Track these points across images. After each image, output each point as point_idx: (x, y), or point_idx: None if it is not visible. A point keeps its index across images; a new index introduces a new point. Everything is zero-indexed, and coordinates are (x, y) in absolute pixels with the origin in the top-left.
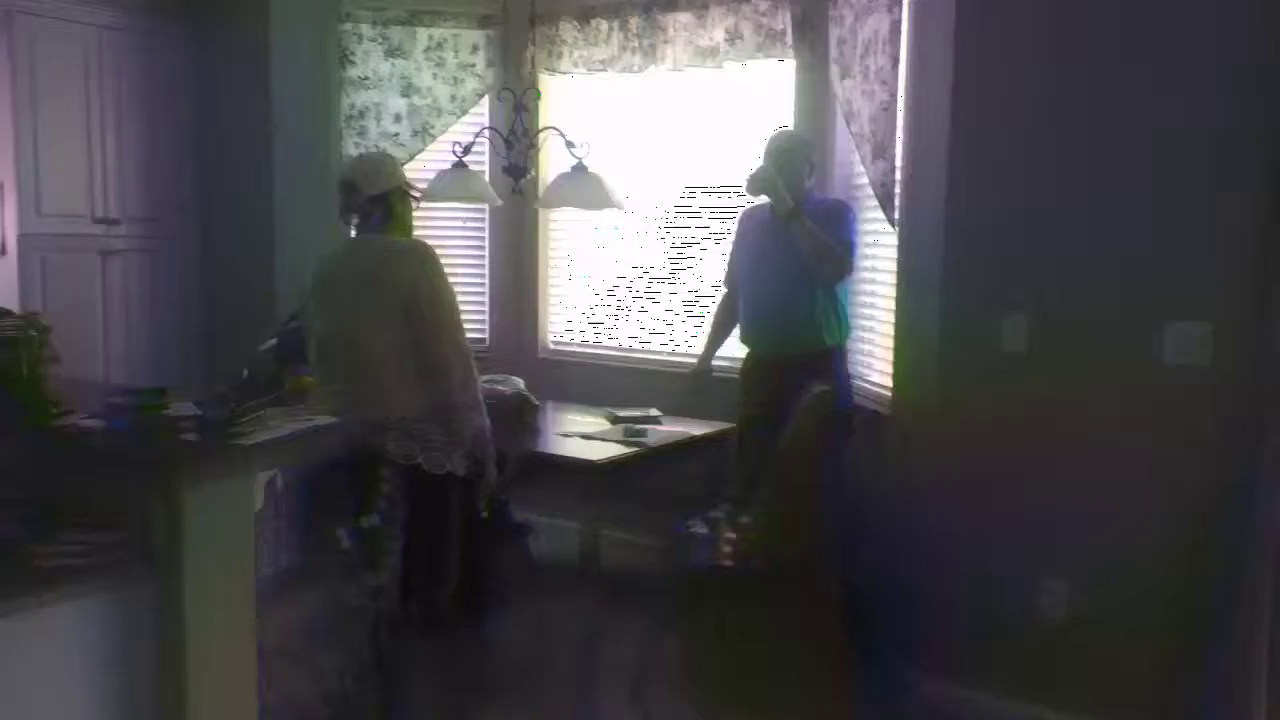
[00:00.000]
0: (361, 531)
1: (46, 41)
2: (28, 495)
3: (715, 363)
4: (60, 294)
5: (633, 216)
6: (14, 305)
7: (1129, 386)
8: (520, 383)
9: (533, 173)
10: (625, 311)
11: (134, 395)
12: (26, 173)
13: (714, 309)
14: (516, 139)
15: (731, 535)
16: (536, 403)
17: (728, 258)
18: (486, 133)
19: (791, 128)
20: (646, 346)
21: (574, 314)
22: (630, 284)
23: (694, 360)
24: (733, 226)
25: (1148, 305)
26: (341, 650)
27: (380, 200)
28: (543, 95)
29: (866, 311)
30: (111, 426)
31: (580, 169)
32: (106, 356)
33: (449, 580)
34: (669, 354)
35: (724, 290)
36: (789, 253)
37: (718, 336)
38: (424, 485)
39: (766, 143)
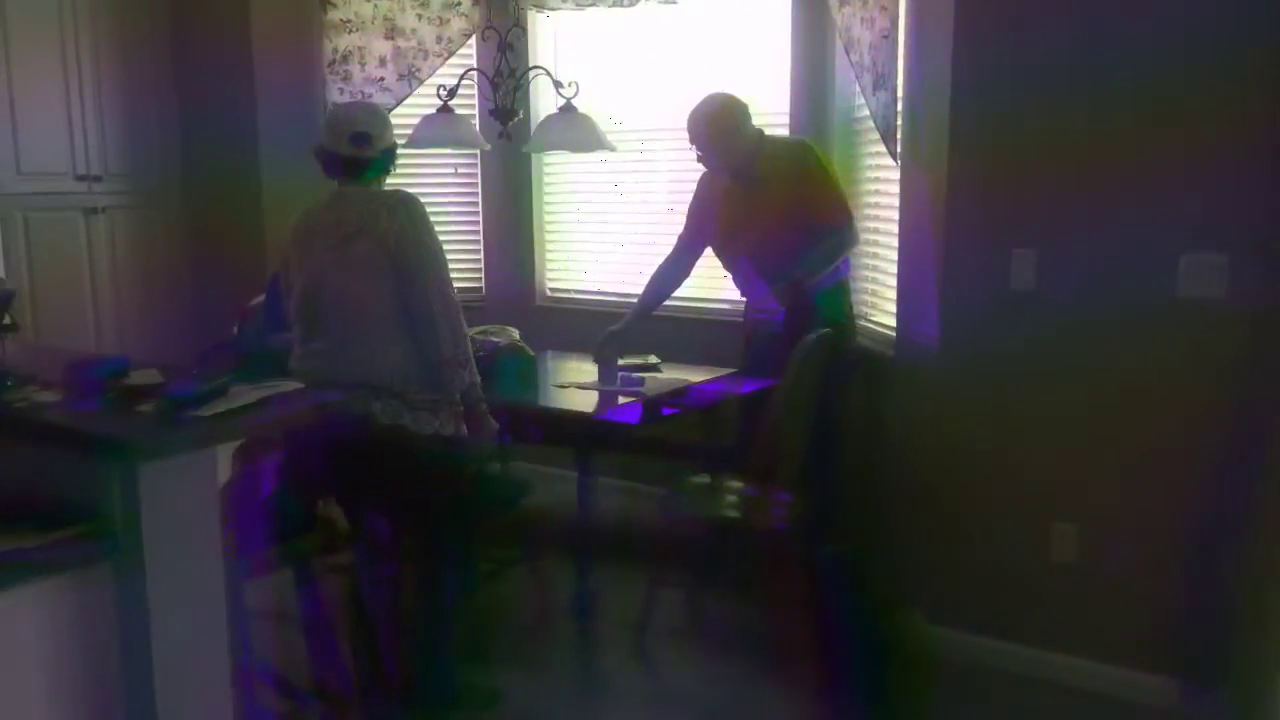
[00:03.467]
0: (350, 501)
1: None
2: None
3: (717, 307)
4: (45, 254)
5: (626, 156)
6: None
7: (1143, 321)
8: (515, 333)
9: (520, 115)
10: (622, 255)
11: (92, 365)
12: (4, 131)
13: (660, 265)
14: (502, 80)
15: (734, 486)
16: (531, 353)
17: (686, 217)
18: (473, 75)
19: (705, 98)
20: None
21: (572, 259)
22: (627, 227)
23: (693, 305)
24: None
25: (1162, 236)
26: (329, 620)
27: (390, 153)
28: (532, 34)
29: (870, 250)
30: (69, 403)
31: (569, 110)
32: (95, 316)
33: (444, 543)
34: (670, 297)
35: (675, 245)
36: (769, 209)
37: (648, 304)
38: (410, 446)
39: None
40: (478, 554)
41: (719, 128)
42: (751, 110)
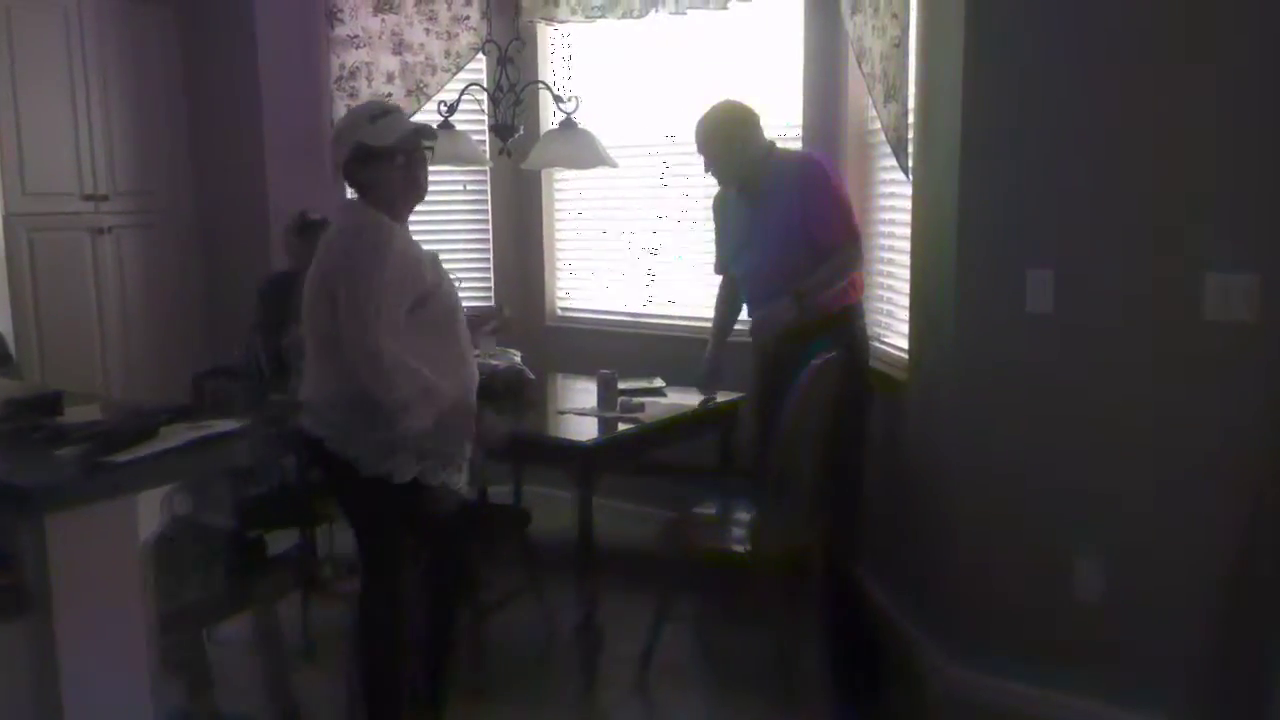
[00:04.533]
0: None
1: (23, 10)
2: None
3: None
4: (50, 275)
5: (639, 173)
6: (2, 289)
7: (1167, 346)
8: (517, 356)
9: (521, 130)
10: (634, 274)
11: (15, 405)
12: (9, 150)
13: (715, 300)
14: (502, 94)
15: (743, 517)
16: (532, 376)
17: (715, 243)
18: (473, 90)
19: (715, 106)
20: (656, 310)
21: (582, 278)
22: (638, 244)
23: (705, 325)
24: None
25: (1188, 255)
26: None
27: (352, 161)
28: (540, 47)
29: (884, 268)
30: None
31: (569, 125)
32: (102, 338)
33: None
34: (680, 318)
35: (720, 278)
36: (774, 224)
37: (722, 329)
38: (356, 485)
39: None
40: (464, 584)
41: (726, 136)
42: (764, 122)
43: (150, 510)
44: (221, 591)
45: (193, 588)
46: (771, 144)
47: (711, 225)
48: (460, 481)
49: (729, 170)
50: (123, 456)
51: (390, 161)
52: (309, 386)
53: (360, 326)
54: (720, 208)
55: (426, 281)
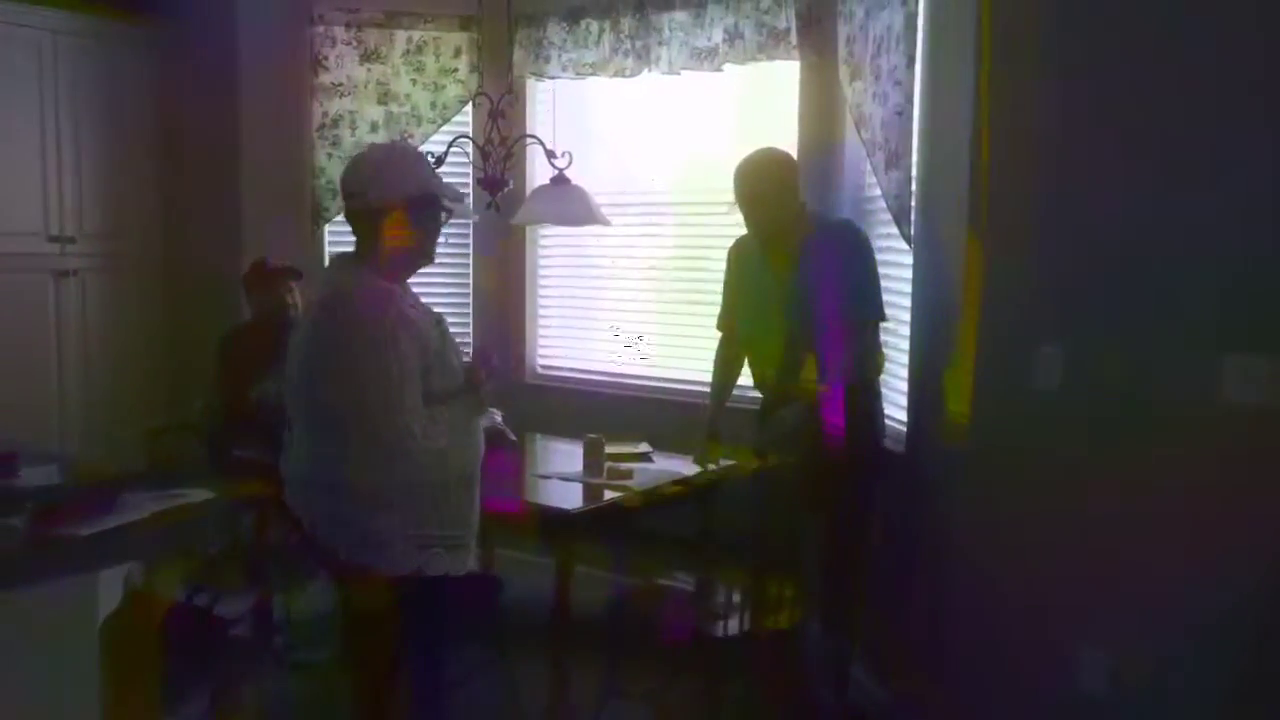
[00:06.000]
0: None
1: None
2: None
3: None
4: (8, 318)
5: (626, 231)
6: None
7: (1182, 429)
8: (498, 416)
9: (511, 185)
10: (619, 333)
11: None
12: None
13: (713, 361)
14: (493, 148)
15: (724, 591)
16: (513, 437)
17: (722, 297)
18: (461, 142)
19: (759, 150)
20: (642, 371)
21: (564, 336)
22: (624, 303)
23: (692, 388)
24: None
25: (1206, 335)
26: None
27: (352, 216)
28: (529, 102)
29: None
30: None
31: (560, 180)
32: (61, 387)
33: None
34: (667, 380)
35: (720, 336)
36: (795, 290)
37: (721, 396)
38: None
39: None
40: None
41: (766, 181)
42: None
43: (111, 588)
44: (176, 671)
45: (148, 668)
46: (804, 204)
47: (720, 277)
48: (463, 566)
49: (762, 220)
50: (85, 529)
51: (395, 219)
52: (295, 463)
53: (380, 405)
54: (736, 260)
55: (430, 350)
